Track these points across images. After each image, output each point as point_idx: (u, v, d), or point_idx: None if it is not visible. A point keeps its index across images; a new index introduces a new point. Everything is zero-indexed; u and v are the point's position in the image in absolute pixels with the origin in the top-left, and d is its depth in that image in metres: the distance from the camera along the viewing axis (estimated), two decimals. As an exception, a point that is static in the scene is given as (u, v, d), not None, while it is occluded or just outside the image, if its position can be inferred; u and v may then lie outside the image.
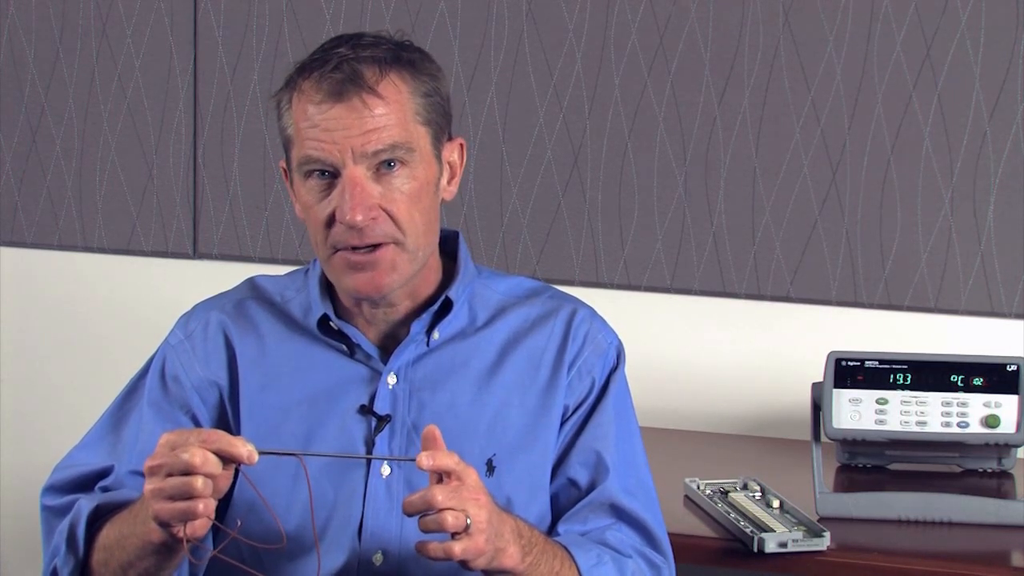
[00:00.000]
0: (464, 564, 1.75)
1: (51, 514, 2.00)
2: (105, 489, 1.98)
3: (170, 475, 1.71)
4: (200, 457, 1.69)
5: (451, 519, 1.72)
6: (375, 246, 1.91)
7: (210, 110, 3.05)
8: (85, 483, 2.00)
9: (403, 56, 1.93)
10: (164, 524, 1.73)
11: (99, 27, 3.08)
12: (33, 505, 3.23)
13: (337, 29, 2.96)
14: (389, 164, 1.90)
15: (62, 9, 3.10)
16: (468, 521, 1.72)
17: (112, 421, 2.05)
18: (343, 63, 1.89)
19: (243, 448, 1.71)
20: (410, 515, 1.73)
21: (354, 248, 1.91)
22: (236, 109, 3.03)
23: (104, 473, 2.00)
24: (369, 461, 1.97)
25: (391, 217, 1.90)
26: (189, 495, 1.70)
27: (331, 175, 1.90)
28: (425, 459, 1.73)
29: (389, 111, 1.89)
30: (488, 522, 1.74)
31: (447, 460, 1.73)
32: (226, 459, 1.72)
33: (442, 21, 2.92)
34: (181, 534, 1.73)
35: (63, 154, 3.13)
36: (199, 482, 1.70)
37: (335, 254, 1.93)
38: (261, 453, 1.74)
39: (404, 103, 1.90)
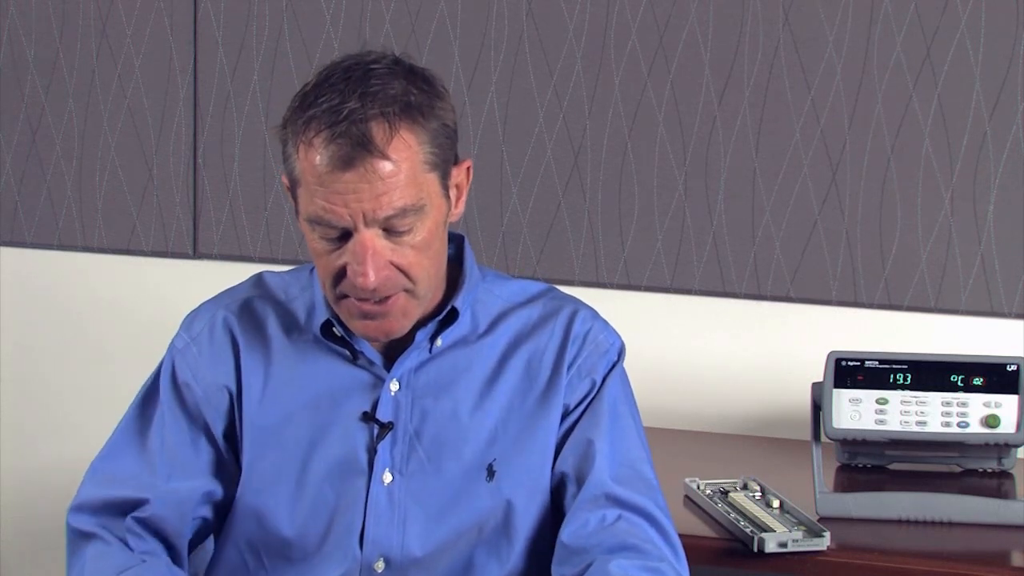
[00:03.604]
0: None
1: (77, 537, 1.99)
2: (140, 520, 1.97)
3: None
4: None
5: None
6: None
7: (210, 110, 3.05)
8: (117, 508, 1.99)
9: (412, 101, 1.88)
10: None
11: (99, 27, 3.08)
12: (33, 505, 3.24)
13: (337, 30, 2.96)
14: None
15: (62, 9, 3.10)
16: None
17: (134, 429, 2.03)
18: (353, 124, 1.84)
19: None
20: None
21: (363, 299, 1.91)
22: (236, 109, 3.03)
23: (138, 503, 1.98)
24: (371, 465, 1.97)
25: (402, 271, 1.90)
26: None
27: (340, 234, 1.88)
28: None
29: (399, 171, 1.85)
30: None
31: None
32: None
33: (442, 21, 2.92)
34: None
35: (63, 154, 3.13)
36: None
37: (344, 299, 1.93)
38: None
39: (414, 158, 1.87)
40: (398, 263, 1.89)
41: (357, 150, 1.84)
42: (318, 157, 1.85)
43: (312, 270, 2.05)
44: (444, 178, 1.92)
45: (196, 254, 3.09)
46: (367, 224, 1.86)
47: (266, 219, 3.04)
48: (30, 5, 3.11)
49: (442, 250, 1.96)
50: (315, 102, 1.87)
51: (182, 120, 3.06)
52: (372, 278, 1.87)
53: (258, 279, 2.09)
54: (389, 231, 1.88)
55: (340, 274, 1.90)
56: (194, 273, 3.09)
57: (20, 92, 3.14)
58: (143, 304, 3.13)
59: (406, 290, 1.91)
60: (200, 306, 2.08)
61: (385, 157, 1.84)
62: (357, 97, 1.86)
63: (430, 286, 1.95)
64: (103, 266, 3.15)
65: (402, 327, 1.94)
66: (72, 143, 3.12)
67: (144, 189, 3.10)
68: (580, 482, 1.98)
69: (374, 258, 1.87)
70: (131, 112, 3.09)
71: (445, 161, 1.92)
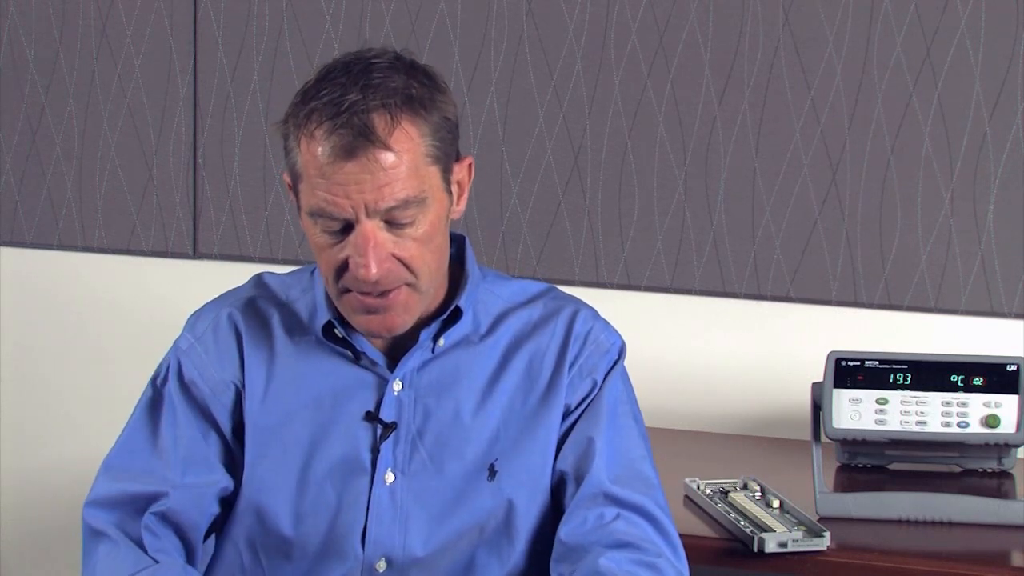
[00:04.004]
0: None
1: (91, 536, 1.97)
2: (158, 515, 1.96)
3: None
4: None
5: None
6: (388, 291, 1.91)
7: (210, 110, 3.05)
8: (134, 502, 1.97)
9: (414, 94, 1.88)
10: None
11: (99, 27, 3.08)
12: (33, 506, 3.24)
13: (337, 30, 2.96)
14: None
15: (62, 9, 3.10)
16: None
17: (144, 425, 2.02)
18: (354, 115, 1.84)
19: None
20: None
21: (366, 292, 1.91)
22: (236, 109, 3.03)
23: (156, 497, 1.97)
24: (375, 465, 1.96)
25: (403, 263, 1.90)
26: None
27: (342, 226, 1.88)
28: None
29: (401, 162, 1.86)
30: None
31: None
32: None
33: (442, 21, 2.92)
34: None
35: (63, 154, 3.13)
36: None
37: (347, 294, 1.92)
38: None
39: (416, 150, 1.87)
40: (400, 256, 1.89)
41: (359, 140, 1.84)
42: (320, 149, 1.85)
43: (313, 271, 2.05)
44: (446, 172, 1.92)
45: (196, 254, 3.09)
46: (369, 215, 1.86)
47: (266, 219, 3.04)
48: (30, 5, 3.11)
49: (444, 245, 1.96)
50: (316, 95, 1.87)
51: (182, 120, 3.06)
52: (374, 270, 1.87)
53: (258, 280, 2.09)
54: (391, 223, 1.88)
55: (342, 268, 1.90)
56: (194, 273, 3.09)
57: (20, 92, 3.14)
58: (143, 304, 3.13)
59: (408, 284, 1.91)
60: (203, 307, 2.08)
61: (387, 148, 1.84)
62: (359, 89, 1.86)
63: (432, 281, 1.95)
64: (103, 266, 3.15)
65: (404, 322, 1.94)
66: (72, 143, 3.12)
67: (144, 189, 3.10)
68: (579, 481, 1.98)
69: (376, 250, 1.87)
70: (131, 112, 3.09)
71: (447, 155, 1.92)
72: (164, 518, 1.97)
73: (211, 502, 1.98)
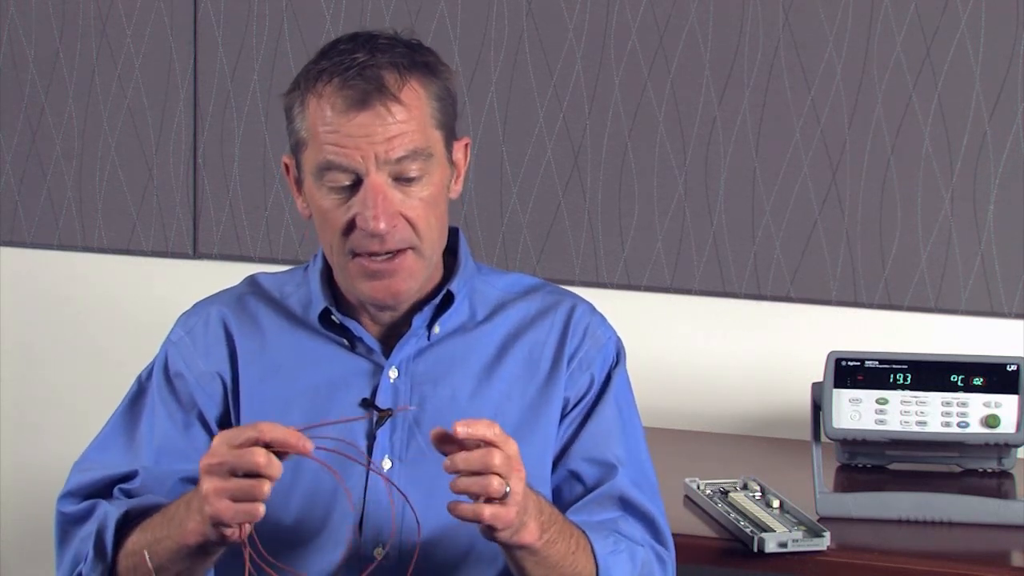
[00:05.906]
0: (490, 532, 1.75)
1: (68, 521, 1.99)
2: (126, 492, 1.98)
3: (232, 474, 1.71)
4: (265, 458, 1.70)
5: (496, 484, 1.71)
6: (393, 253, 1.92)
7: (210, 110, 3.05)
8: (104, 488, 1.99)
9: (418, 59, 1.94)
10: (218, 524, 1.73)
11: (99, 27, 3.08)
12: (33, 505, 3.24)
13: (337, 29, 2.96)
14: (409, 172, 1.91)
15: (62, 9, 3.10)
16: (507, 489, 1.72)
17: (124, 421, 2.04)
18: (365, 69, 1.89)
19: (300, 441, 1.71)
20: (458, 471, 1.72)
21: (372, 254, 1.92)
22: (236, 109, 3.03)
23: (126, 477, 1.99)
24: (371, 452, 1.97)
25: (410, 223, 1.92)
26: (253, 498, 1.71)
27: (351, 181, 1.91)
28: (461, 427, 1.71)
29: (410, 117, 1.90)
30: (524, 494, 1.75)
31: (486, 431, 1.72)
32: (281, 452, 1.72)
33: (442, 21, 2.92)
34: (235, 536, 1.74)
35: (63, 154, 3.13)
36: (266, 486, 1.71)
37: (352, 260, 1.93)
38: (316, 447, 1.74)
39: (423, 108, 1.91)
40: (407, 215, 1.91)
41: (371, 89, 1.88)
42: (330, 103, 1.89)
43: (307, 268, 2.06)
44: (448, 143, 1.96)
45: (196, 254, 3.09)
46: (378, 167, 1.89)
47: (266, 219, 3.04)
48: (30, 5, 3.11)
49: (445, 216, 1.98)
50: (325, 59, 1.92)
51: (182, 120, 3.07)
52: (383, 223, 1.89)
53: (251, 280, 2.11)
54: (399, 179, 1.90)
55: (348, 229, 1.92)
56: (194, 273, 3.09)
57: (20, 92, 3.14)
58: (143, 304, 3.13)
59: (413, 248, 1.93)
60: (194, 305, 2.10)
61: (398, 100, 1.89)
62: (367, 51, 1.91)
63: (435, 249, 1.97)
64: (103, 266, 3.15)
65: (408, 288, 1.95)
66: (72, 143, 3.12)
67: (144, 189, 3.10)
68: (596, 486, 2.00)
69: (384, 203, 1.89)
70: (131, 112, 3.09)
71: (449, 126, 1.96)
72: (130, 496, 1.98)
73: (181, 486, 1.98)
